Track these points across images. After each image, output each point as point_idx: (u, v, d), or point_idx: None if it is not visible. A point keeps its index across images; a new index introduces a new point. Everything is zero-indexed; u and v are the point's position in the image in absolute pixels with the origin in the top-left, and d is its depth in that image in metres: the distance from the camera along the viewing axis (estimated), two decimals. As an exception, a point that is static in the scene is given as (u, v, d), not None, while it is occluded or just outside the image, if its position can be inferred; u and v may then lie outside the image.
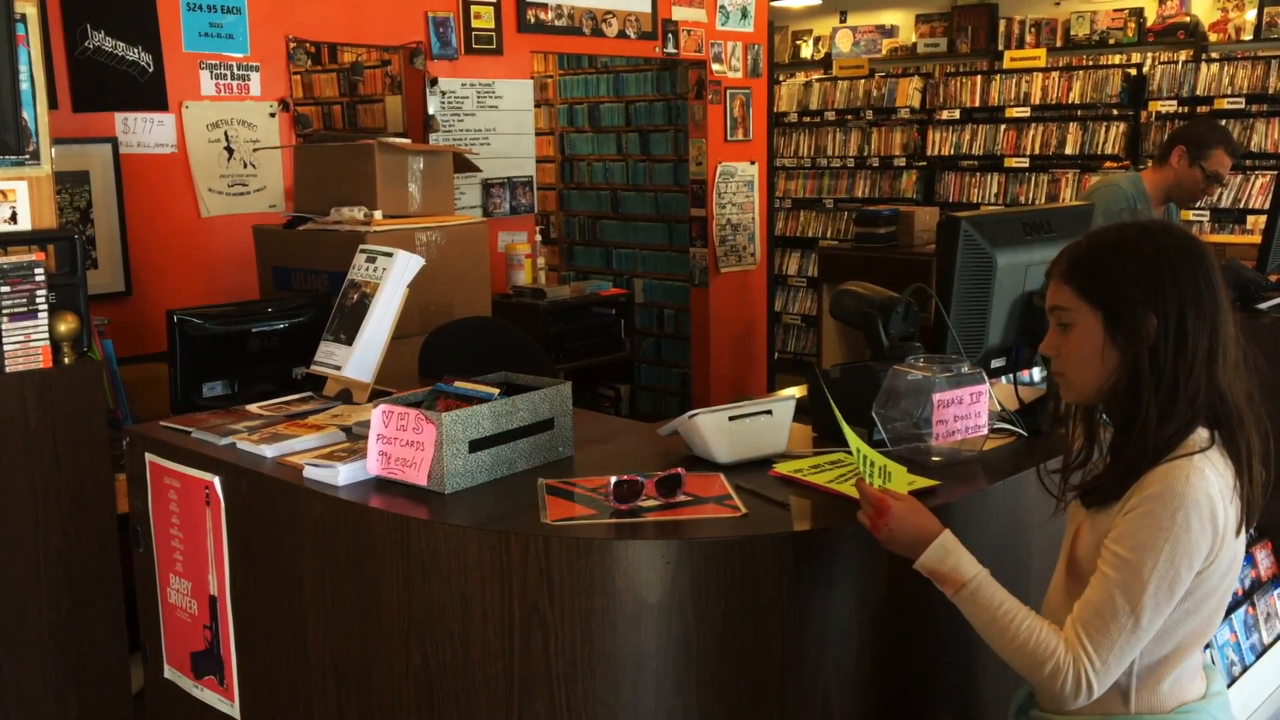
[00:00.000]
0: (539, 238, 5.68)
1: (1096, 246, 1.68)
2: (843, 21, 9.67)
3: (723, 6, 6.30)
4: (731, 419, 2.08)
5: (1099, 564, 1.59)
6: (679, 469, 1.90)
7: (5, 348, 2.72)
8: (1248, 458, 1.62)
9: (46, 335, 2.78)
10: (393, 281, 2.58)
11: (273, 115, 4.52)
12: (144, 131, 4.20)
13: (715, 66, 6.32)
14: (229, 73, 4.39)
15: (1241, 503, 1.62)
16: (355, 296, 2.60)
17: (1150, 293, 1.60)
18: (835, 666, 1.83)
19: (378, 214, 3.64)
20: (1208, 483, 1.55)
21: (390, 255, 2.61)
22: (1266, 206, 6.84)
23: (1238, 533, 1.63)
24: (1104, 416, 1.75)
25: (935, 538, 1.64)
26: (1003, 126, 8.10)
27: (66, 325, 2.81)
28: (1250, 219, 6.98)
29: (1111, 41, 8.06)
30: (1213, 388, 1.60)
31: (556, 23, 5.54)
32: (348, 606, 1.94)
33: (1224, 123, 5.76)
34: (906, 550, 1.67)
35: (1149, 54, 7.89)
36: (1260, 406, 1.66)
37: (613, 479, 1.83)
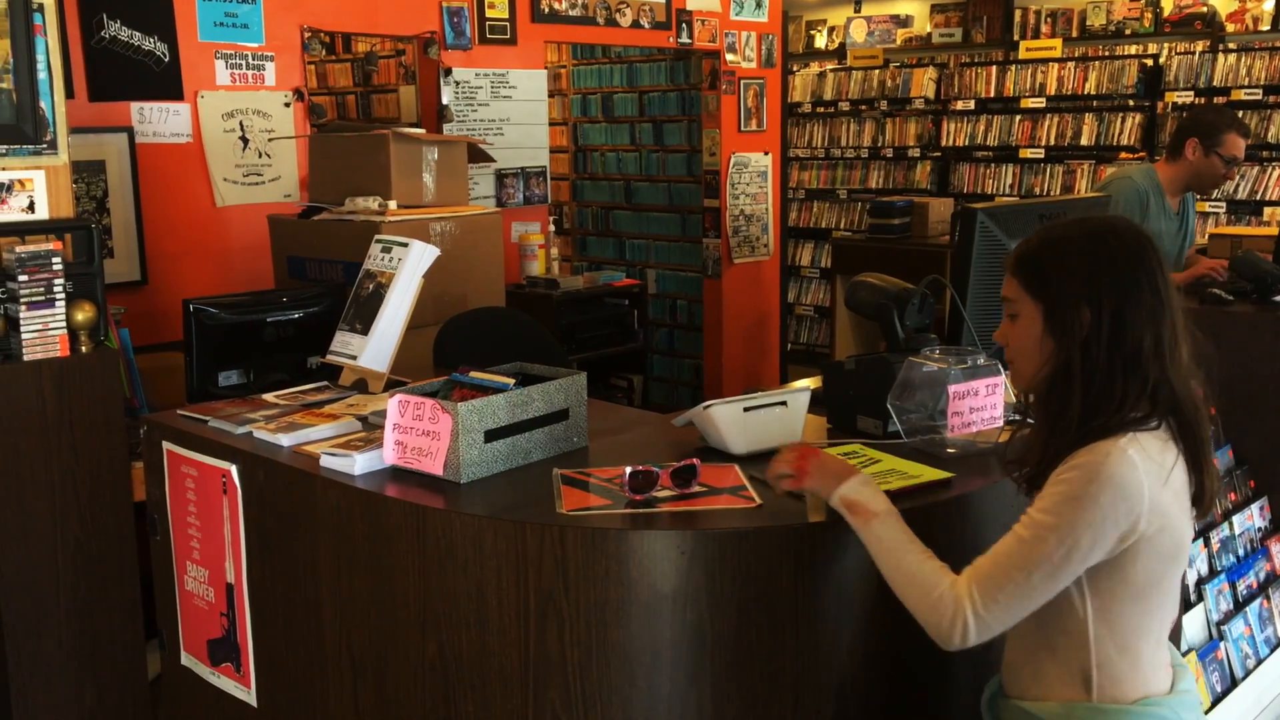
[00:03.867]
0: (552, 228, 5.68)
1: (1043, 244, 1.73)
2: (857, 11, 9.63)
3: (737, -4, 6.29)
4: (747, 410, 2.08)
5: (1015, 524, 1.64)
6: (694, 460, 1.90)
7: (23, 336, 2.73)
8: (1203, 449, 1.66)
9: (64, 324, 2.79)
10: (408, 271, 2.59)
11: (287, 105, 4.53)
12: (159, 121, 4.22)
13: (729, 56, 6.31)
14: (244, 62, 4.40)
15: (1191, 489, 1.67)
16: (370, 286, 2.61)
17: (1085, 287, 1.64)
18: (849, 657, 1.83)
19: (392, 204, 3.65)
20: (1129, 463, 1.58)
21: (405, 245, 2.62)
22: (1283, 198, 6.82)
23: (1197, 517, 1.68)
24: None
25: (853, 476, 1.72)
26: (1018, 117, 8.06)
27: (84, 314, 2.83)
28: (1267, 210, 6.94)
29: (1128, 32, 8.01)
30: (1163, 381, 1.63)
31: (570, 13, 5.53)
32: (364, 595, 1.95)
33: (1241, 114, 5.72)
34: (823, 487, 1.73)
35: (1165, 44, 7.84)
36: (1209, 404, 1.69)
37: (628, 469, 1.84)
